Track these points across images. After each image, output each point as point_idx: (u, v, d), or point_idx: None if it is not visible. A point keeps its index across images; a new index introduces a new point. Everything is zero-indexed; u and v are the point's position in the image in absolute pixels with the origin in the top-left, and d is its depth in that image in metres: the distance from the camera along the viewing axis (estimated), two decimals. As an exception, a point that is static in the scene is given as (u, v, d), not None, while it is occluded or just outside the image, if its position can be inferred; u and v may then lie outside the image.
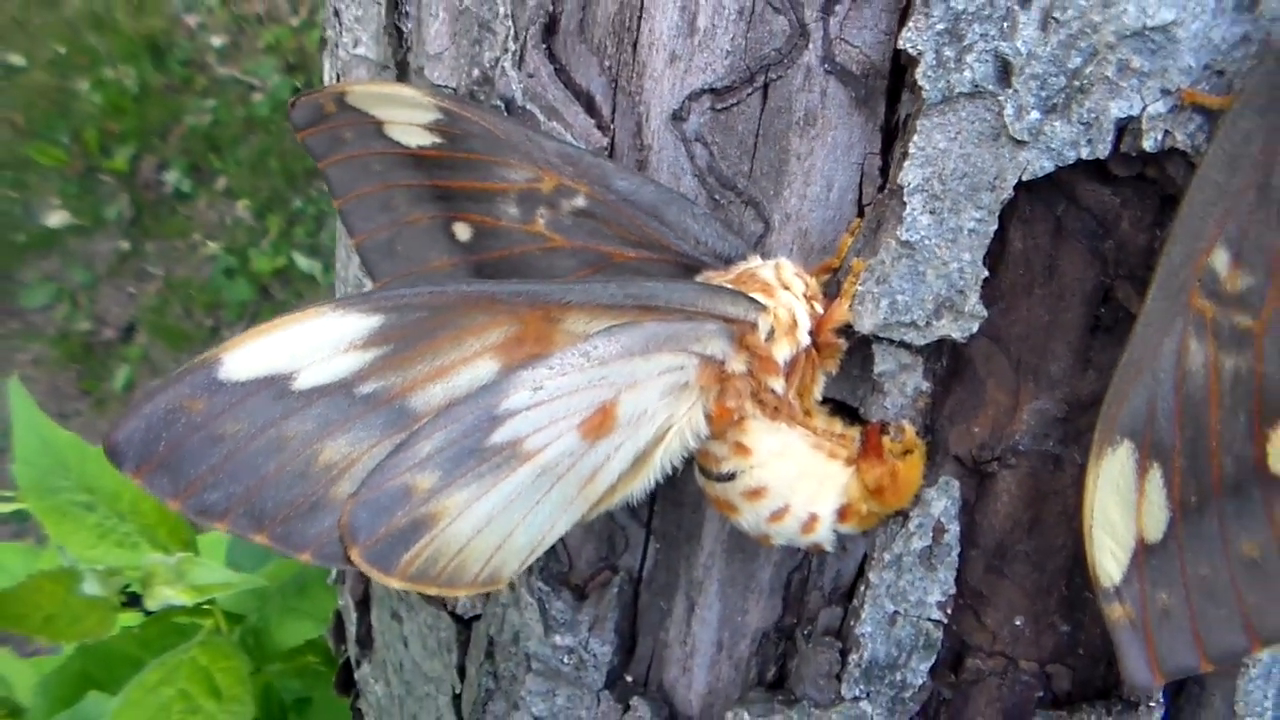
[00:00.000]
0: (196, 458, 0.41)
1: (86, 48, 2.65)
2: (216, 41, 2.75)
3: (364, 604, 0.75)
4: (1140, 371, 0.47)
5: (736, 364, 0.49)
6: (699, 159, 0.52)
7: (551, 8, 0.54)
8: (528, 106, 0.54)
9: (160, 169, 2.62)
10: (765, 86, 0.51)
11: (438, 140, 0.53)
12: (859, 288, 0.49)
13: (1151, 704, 0.54)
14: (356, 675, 0.78)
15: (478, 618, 0.63)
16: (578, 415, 0.47)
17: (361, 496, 0.45)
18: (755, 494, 0.51)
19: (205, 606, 0.90)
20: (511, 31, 0.53)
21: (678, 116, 0.52)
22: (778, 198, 0.52)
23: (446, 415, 0.45)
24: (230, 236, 2.58)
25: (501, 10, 0.53)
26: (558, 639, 0.59)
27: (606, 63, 0.53)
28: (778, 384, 0.50)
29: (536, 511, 0.49)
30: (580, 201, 0.52)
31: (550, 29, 0.54)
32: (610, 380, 0.47)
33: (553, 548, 0.58)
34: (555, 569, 0.59)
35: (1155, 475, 0.48)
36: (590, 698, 0.59)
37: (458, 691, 0.66)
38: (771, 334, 0.49)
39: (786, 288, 0.49)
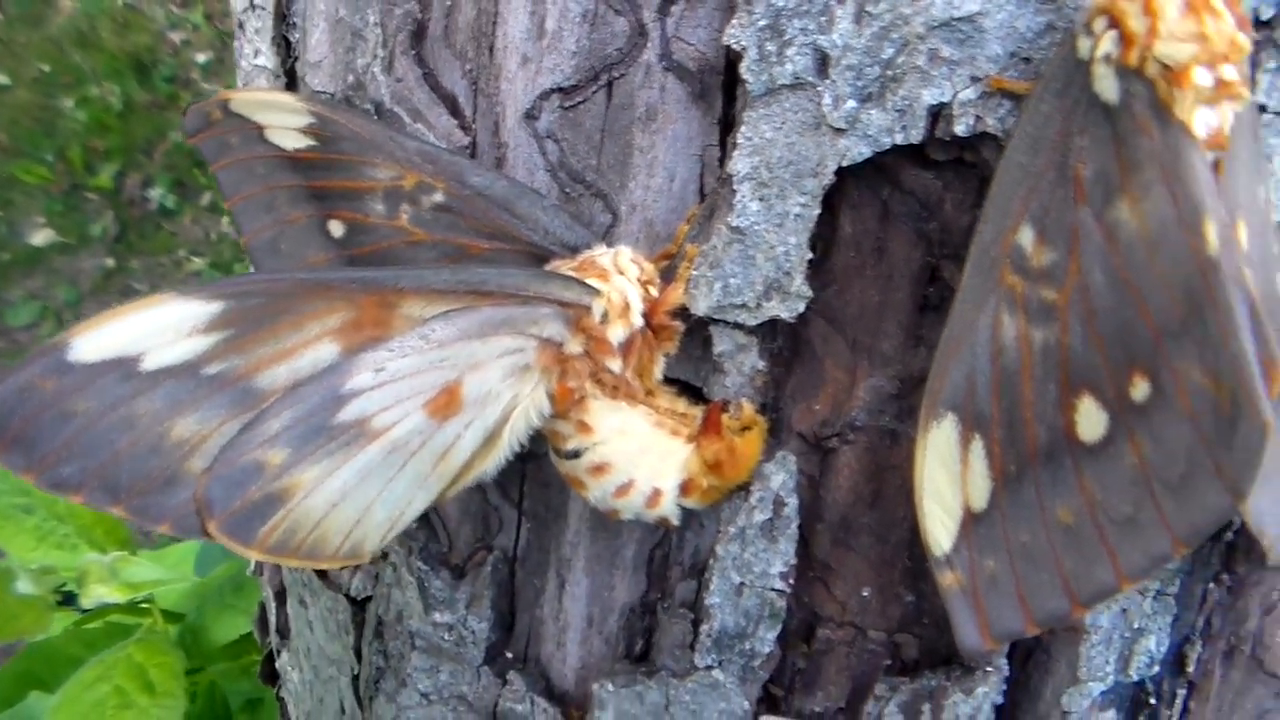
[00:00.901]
0: (49, 434, 0.46)
1: (71, 66, 2.71)
2: (201, 58, 2.82)
3: (281, 594, 0.79)
4: (959, 347, 0.51)
5: (574, 346, 0.53)
6: (551, 155, 0.56)
7: (420, 15, 0.58)
8: (395, 109, 0.58)
9: (145, 186, 2.68)
10: (609, 85, 0.55)
11: (312, 143, 0.57)
12: (693, 272, 0.54)
13: (988, 669, 0.57)
14: (277, 665, 0.82)
15: (370, 599, 0.68)
16: (422, 395, 0.51)
17: (214, 471, 0.49)
18: (599, 470, 0.55)
19: (145, 605, 0.95)
20: (380, 39, 0.58)
21: (530, 115, 0.56)
22: (624, 189, 0.56)
23: (292, 395, 0.49)
24: (215, 252, 2.64)
25: (371, 19, 0.58)
26: (437, 617, 0.63)
27: (468, 66, 0.57)
28: (615, 364, 0.54)
29: (392, 487, 0.53)
30: (439, 197, 0.56)
31: (419, 35, 0.58)
32: (451, 362, 0.51)
33: (432, 529, 0.62)
34: (435, 549, 0.64)
35: (977, 446, 0.52)
36: (471, 673, 0.63)
37: (356, 672, 0.70)
38: (605, 317, 0.53)
39: (621, 273, 0.53)
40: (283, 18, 0.63)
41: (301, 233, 0.59)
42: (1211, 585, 0.61)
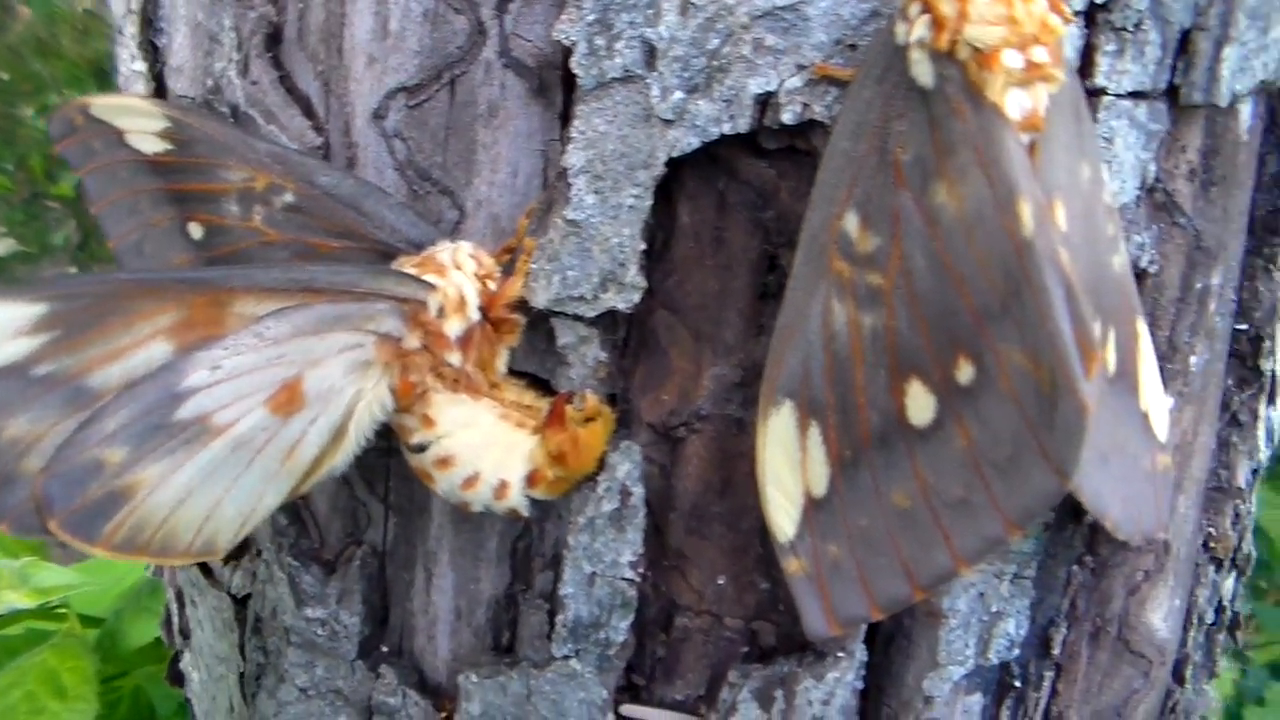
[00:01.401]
0: None
1: (31, 74, 2.73)
2: (163, 65, 2.83)
3: (181, 595, 0.81)
4: (793, 334, 0.53)
5: (412, 340, 0.55)
6: (398, 153, 0.58)
7: (275, 18, 0.60)
8: (250, 112, 0.60)
9: (108, 194, 2.69)
10: (451, 83, 0.57)
11: (169, 146, 0.59)
12: (532, 265, 0.55)
13: (839, 654, 0.59)
14: (181, 666, 0.83)
15: (250, 596, 0.69)
16: (263, 392, 0.53)
17: (51, 470, 0.50)
18: (445, 463, 0.56)
19: (61, 610, 0.96)
20: (235, 42, 0.59)
21: (378, 115, 0.58)
22: (469, 186, 0.58)
23: (128, 394, 0.50)
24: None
25: (226, 23, 0.59)
26: (309, 612, 0.64)
27: (319, 68, 0.59)
28: (454, 358, 0.55)
29: (240, 484, 0.55)
30: (289, 198, 0.58)
31: (275, 39, 0.60)
32: (289, 358, 0.53)
33: (303, 525, 0.64)
34: (305, 545, 0.65)
35: (814, 432, 0.54)
36: (345, 667, 0.65)
37: (242, 670, 0.71)
38: (442, 311, 0.55)
39: (458, 268, 0.55)
40: (149, 23, 0.64)
41: (164, 236, 0.61)
42: (1075, 567, 0.62)
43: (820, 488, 0.54)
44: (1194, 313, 0.61)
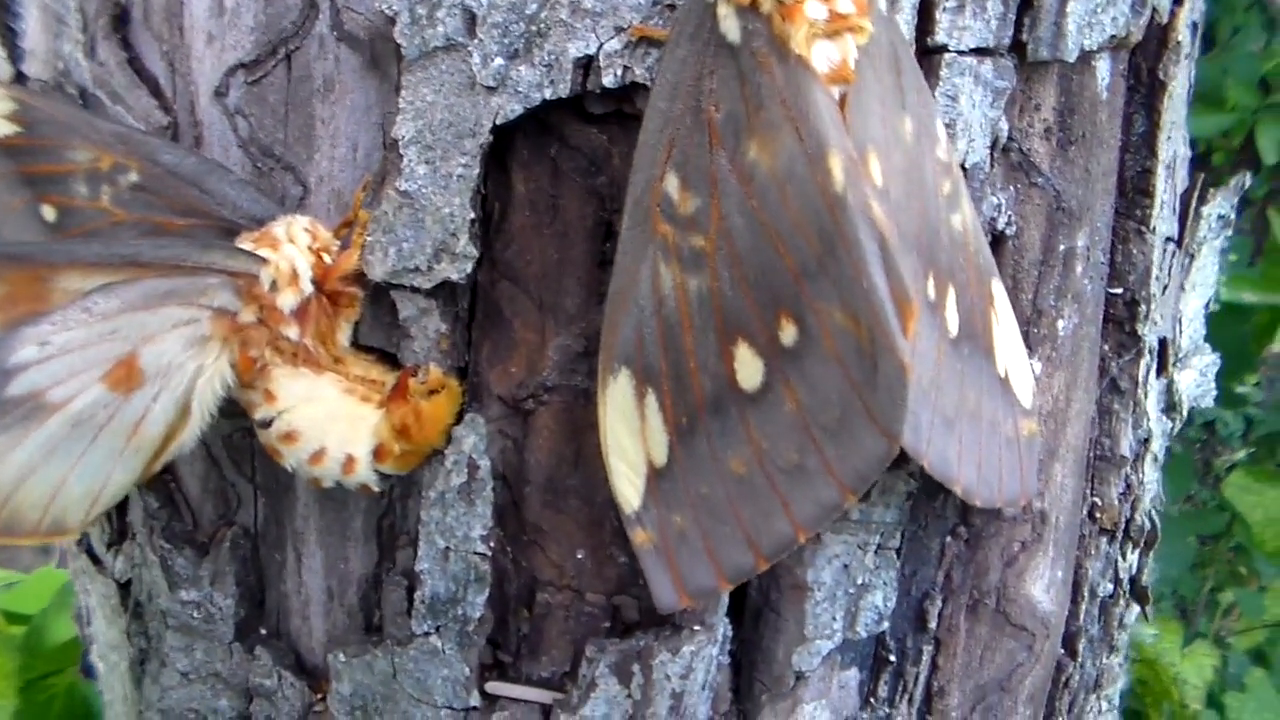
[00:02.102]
0: None
1: None
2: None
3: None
4: (625, 300, 0.52)
5: (247, 315, 0.54)
6: (241, 130, 0.58)
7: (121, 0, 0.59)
8: (97, 93, 0.59)
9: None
10: (288, 58, 0.56)
11: (18, 129, 0.59)
12: (367, 238, 0.54)
13: (696, 628, 0.57)
14: (91, 659, 0.83)
15: (131, 581, 0.69)
16: (98, 368, 0.53)
17: (-121, 444, 0.50)
18: (289, 438, 0.56)
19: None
20: (81, 24, 0.59)
21: (219, 93, 0.57)
22: (310, 161, 0.57)
23: (-49, 372, 0.50)
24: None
25: (72, 4, 0.59)
26: (184, 594, 0.64)
27: (164, 47, 0.59)
28: (291, 331, 0.55)
29: (85, 461, 0.54)
30: (134, 177, 0.57)
31: (124, 19, 0.60)
32: (122, 334, 0.52)
33: (175, 507, 0.63)
34: (179, 528, 0.65)
35: (651, 400, 0.53)
36: (223, 650, 0.65)
37: (131, 656, 0.71)
38: (275, 285, 0.54)
39: (292, 242, 0.54)
40: (5, 7, 0.64)
41: (20, 218, 0.60)
42: (948, 538, 0.61)
43: (661, 456, 0.53)
44: (1058, 275, 0.59)
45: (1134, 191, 0.61)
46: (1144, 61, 0.60)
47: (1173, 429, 0.76)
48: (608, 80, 0.52)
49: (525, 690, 0.60)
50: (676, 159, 0.50)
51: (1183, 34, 0.59)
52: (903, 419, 0.49)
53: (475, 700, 0.59)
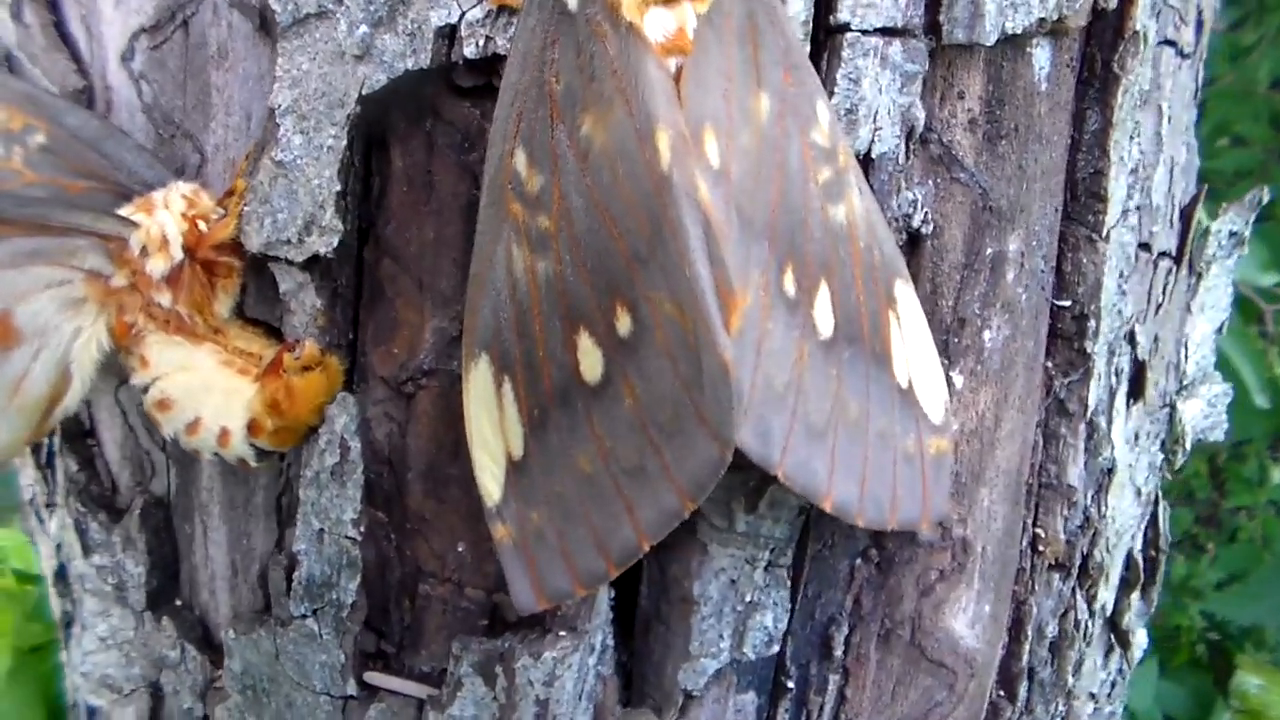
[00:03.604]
0: None
1: None
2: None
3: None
4: (483, 282, 0.48)
5: (119, 279, 0.52)
6: (145, 96, 0.56)
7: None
8: (18, 55, 0.58)
9: None
10: (185, 24, 0.54)
11: (-58, 89, 0.58)
12: (244, 208, 0.52)
13: (562, 633, 0.53)
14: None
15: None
16: (-34, 325, 0.51)
17: None
18: (163, 405, 0.54)
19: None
20: (10, -15, 0.58)
21: (125, 57, 0.56)
22: (206, 130, 0.55)
23: None
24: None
25: (2, -35, 0.58)
26: (96, 559, 0.62)
27: (82, 11, 0.57)
28: (163, 298, 0.52)
29: (-35, 416, 0.53)
30: (41, 138, 0.56)
31: (55, -18, 0.58)
32: (-9, 292, 0.51)
33: (94, 471, 0.62)
34: (96, 491, 0.63)
35: (507, 388, 0.49)
36: (135, 618, 0.63)
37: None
38: (145, 250, 0.52)
39: (166, 208, 0.52)
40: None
41: (-50, 177, 0.60)
42: (858, 560, 0.55)
43: (518, 449, 0.49)
44: (985, 281, 0.53)
45: (1085, 195, 0.55)
46: (1098, 52, 0.53)
47: (1173, 462, 0.68)
48: (469, 51, 0.48)
49: (403, 684, 0.56)
50: (524, 133, 0.46)
51: (1141, 23, 0.52)
52: (731, 422, 0.43)
53: (353, 689, 0.56)
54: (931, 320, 0.52)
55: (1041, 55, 0.52)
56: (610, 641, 0.55)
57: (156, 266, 0.52)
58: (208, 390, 0.53)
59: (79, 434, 0.63)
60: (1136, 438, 0.63)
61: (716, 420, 0.44)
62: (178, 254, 0.52)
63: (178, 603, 0.63)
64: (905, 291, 0.49)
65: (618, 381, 0.46)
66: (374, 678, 0.57)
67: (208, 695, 0.62)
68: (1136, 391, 0.61)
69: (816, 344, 0.47)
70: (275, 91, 0.50)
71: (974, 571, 0.56)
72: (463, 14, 0.47)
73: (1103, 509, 0.60)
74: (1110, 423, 0.59)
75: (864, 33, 0.48)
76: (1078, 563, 0.60)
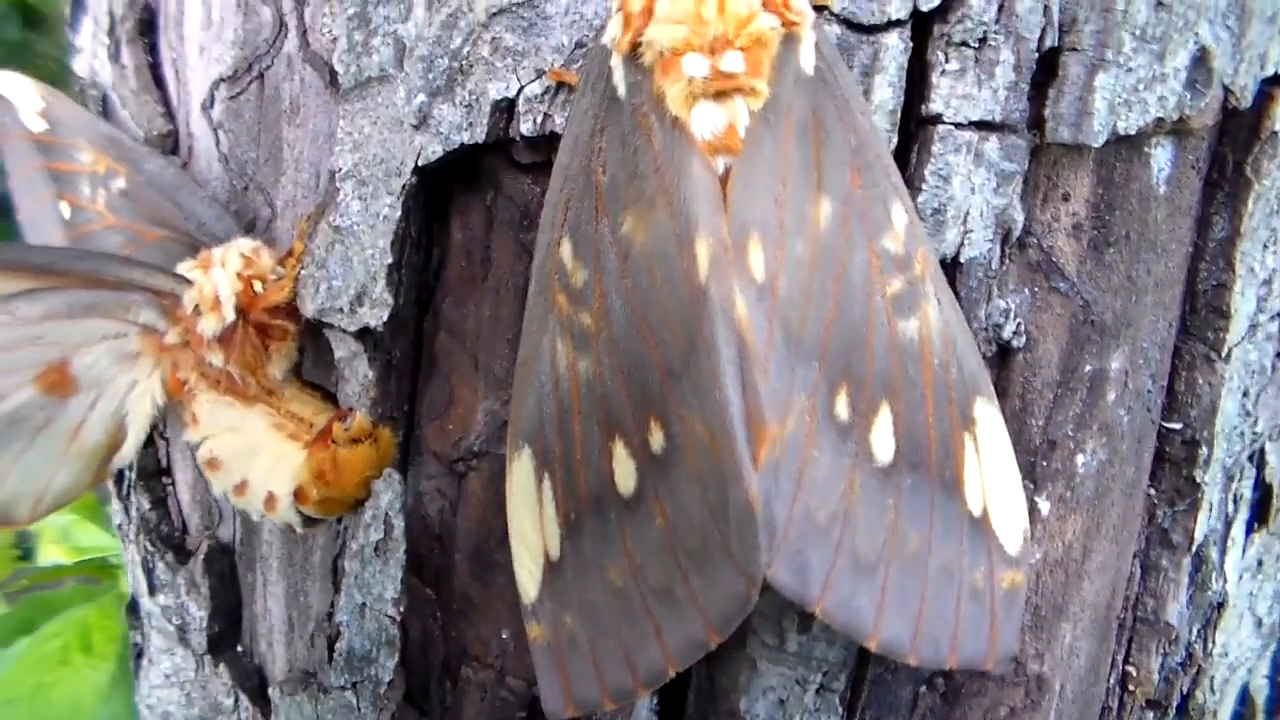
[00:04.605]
0: None
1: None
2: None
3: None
4: (529, 372, 0.45)
5: (172, 336, 0.51)
6: (222, 145, 0.54)
7: (151, 3, 0.57)
8: (112, 96, 0.57)
9: None
10: (261, 76, 0.52)
11: (46, 125, 0.57)
12: (302, 272, 0.49)
13: (598, 736, 0.49)
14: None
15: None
16: (28, 370, 0.50)
17: None
18: (212, 465, 0.52)
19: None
20: (108, 26, 0.57)
21: (205, 105, 0.54)
22: (277, 184, 0.53)
23: (-119, 358, 0.49)
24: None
25: (104, 6, 0.57)
26: (161, 599, 0.61)
27: (172, 55, 0.56)
28: (215, 358, 0.51)
29: (26, 459, 0.52)
30: (122, 183, 0.55)
31: (152, 25, 0.57)
32: (49, 340, 0.50)
33: (166, 511, 0.61)
34: (165, 531, 0.62)
35: (547, 486, 0.45)
36: (196, 660, 0.61)
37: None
38: (197, 309, 0.50)
39: (222, 266, 0.50)
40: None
41: (47, 213, 0.59)
42: (923, 689, 0.50)
43: (555, 550, 0.46)
44: (1081, 401, 0.47)
45: (1206, 309, 0.48)
46: (1230, 153, 0.47)
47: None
48: (525, 128, 0.44)
49: (439, 766, 0.54)
50: (571, 223, 0.42)
51: (1281, 124, 0.45)
52: (758, 561, 0.39)
53: (387, 766, 0.53)
54: (1018, 441, 0.47)
55: (1162, 156, 0.45)
56: (654, 746, 0.51)
57: (208, 326, 0.50)
58: (255, 454, 0.51)
59: (154, 472, 0.62)
60: (1260, 564, 0.56)
61: (742, 556, 0.39)
62: (230, 315, 0.50)
63: (239, 649, 0.62)
64: (987, 411, 0.44)
65: (649, 498, 0.42)
66: (411, 756, 0.54)
67: (257, 747, 0.60)
68: (1262, 517, 0.54)
69: (871, 472, 0.42)
70: (336, 154, 0.48)
71: (1049, 710, 0.50)
72: (521, 88, 0.44)
73: (1209, 646, 0.54)
74: (1224, 554, 0.52)
75: (958, 126, 0.43)
76: (1176, 702, 0.54)
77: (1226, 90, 0.44)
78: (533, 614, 0.46)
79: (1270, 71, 0.45)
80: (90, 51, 0.59)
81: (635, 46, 0.38)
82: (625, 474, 0.42)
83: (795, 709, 0.49)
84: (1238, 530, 0.53)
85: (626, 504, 0.43)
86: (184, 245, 0.53)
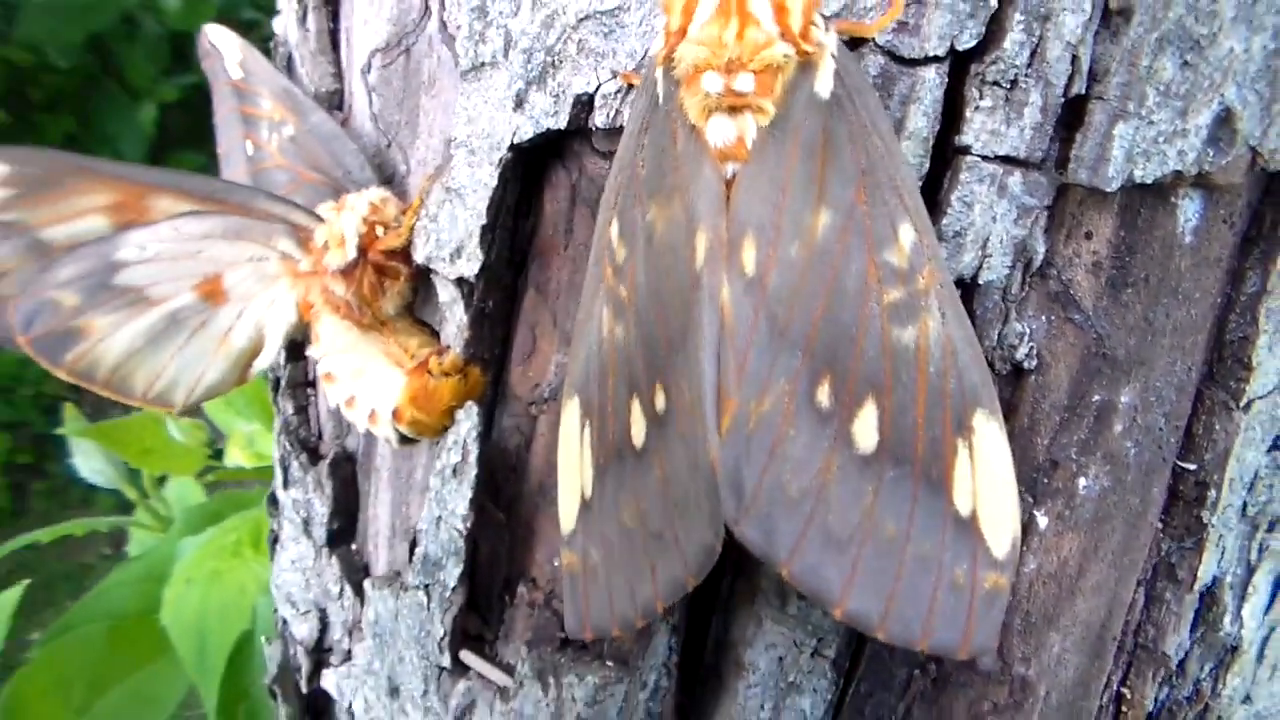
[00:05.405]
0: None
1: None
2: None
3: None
4: (584, 332, 0.51)
5: (305, 264, 0.59)
6: (374, 106, 0.62)
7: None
8: (295, 54, 0.66)
9: None
10: (407, 50, 0.59)
11: (243, 74, 0.67)
12: (418, 223, 0.56)
13: (609, 663, 0.55)
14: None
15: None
16: (189, 279, 0.59)
17: (20, 300, 0.60)
18: (329, 378, 0.60)
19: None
20: (298, -5, 0.66)
21: (364, 70, 0.62)
22: (413, 145, 0.60)
23: (75, 252, 0.59)
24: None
25: (297, -25, 0.66)
26: (293, 493, 0.70)
27: (346, 24, 0.64)
28: (338, 287, 0.58)
29: (183, 354, 0.62)
30: (290, 130, 0.63)
31: (338, -6, 0.66)
32: (207, 256, 0.59)
33: (307, 418, 0.70)
34: (304, 435, 0.71)
35: (587, 432, 0.51)
36: (316, 551, 0.70)
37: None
38: (326, 245, 0.58)
39: (352, 210, 0.57)
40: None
41: (237, 149, 0.69)
42: (916, 672, 0.54)
43: (588, 489, 0.52)
44: (1087, 428, 0.50)
45: (1231, 359, 0.50)
46: (1269, 212, 0.48)
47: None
48: (599, 120, 0.50)
49: (489, 668, 0.60)
50: (620, 207, 0.48)
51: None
52: (718, 515, 0.44)
53: (446, 662, 0.61)
54: (1024, 456, 0.50)
55: (1190, 207, 0.47)
56: (666, 684, 0.56)
57: (333, 259, 0.58)
58: (363, 373, 0.59)
59: (301, 383, 0.71)
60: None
61: (710, 510, 0.44)
62: (352, 253, 0.58)
63: (352, 547, 0.70)
64: (986, 422, 0.47)
65: (652, 452, 0.47)
66: (467, 657, 0.61)
67: (353, 632, 0.69)
68: (1290, 566, 0.55)
69: (851, 458, 0.46)
70: (454, 125, 0.54)
71: (1032, 712, 0.53)
72: (599, 85, 0.50)
73: (1219, 686, 0.55)
74: (1243, 599, 0.54)
75: (984, 158, 0.46)
76: (1169, 731, 0.55)
77: (1255, 151, 0.46)
78: (567, 544, 0.52)
79: (1309, 137, 0.46)
80: (286, 14, 0.68)
81: (670, 60, 0.43)
82: (639, 429, 0.48)
83: (792, 668, 0.53)
84: (1261, 579, 0.54)
85: (638, 455, 0.48)
86: (331, 188, 0.62)
